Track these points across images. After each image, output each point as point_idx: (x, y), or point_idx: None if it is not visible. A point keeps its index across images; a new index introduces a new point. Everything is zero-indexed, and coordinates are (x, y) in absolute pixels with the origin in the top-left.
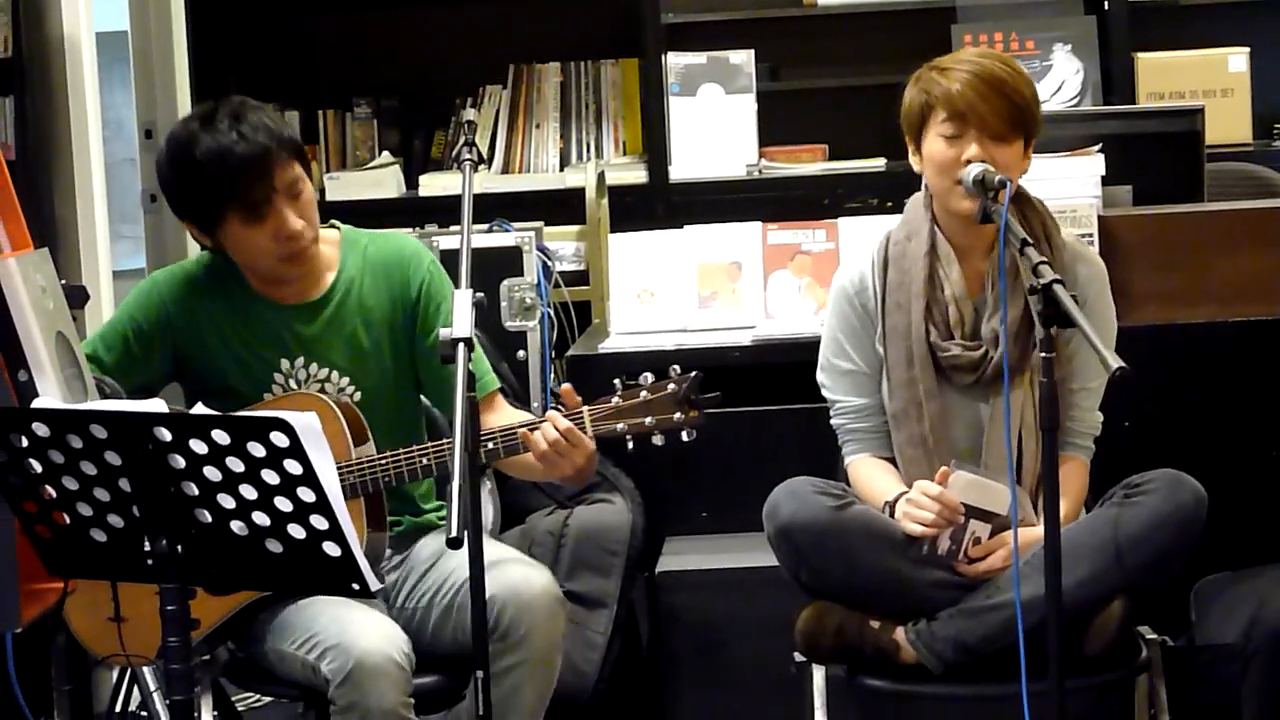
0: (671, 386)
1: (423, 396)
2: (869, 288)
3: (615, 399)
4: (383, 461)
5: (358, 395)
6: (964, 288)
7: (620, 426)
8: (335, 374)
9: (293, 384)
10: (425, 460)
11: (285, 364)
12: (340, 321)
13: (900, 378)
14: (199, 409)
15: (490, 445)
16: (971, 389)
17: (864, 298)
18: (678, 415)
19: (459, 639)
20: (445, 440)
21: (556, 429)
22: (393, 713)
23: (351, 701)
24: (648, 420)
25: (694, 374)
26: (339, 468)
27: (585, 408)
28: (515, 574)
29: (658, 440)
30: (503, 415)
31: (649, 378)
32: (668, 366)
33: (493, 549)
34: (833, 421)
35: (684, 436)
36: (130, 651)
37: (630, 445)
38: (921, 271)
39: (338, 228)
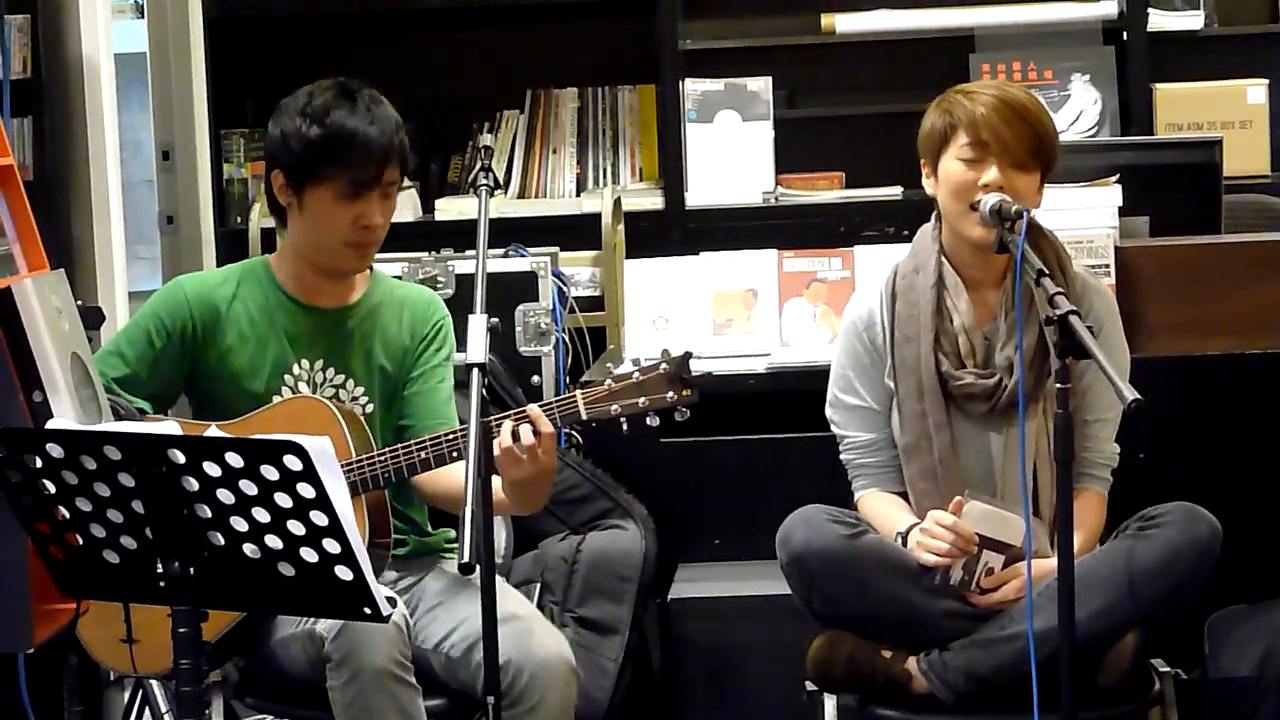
0: (664, 366)
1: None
2: (877, 323)
3: (608, 382)
4: (382, 457)
5: (370, 407)
6: (973, 318)
7: (614, 408)
8: (351, 382)
9: (303, 387)
10: (424, 454)
11: (305, 363)
12: (363, 334)
13: (911, 410)
14: (212, 430)
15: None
16: (984, 419)
17: (872, 333)
18: (670, 394)
19: (467, 686)
20: (443, 433)
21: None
22: (386, 671)
23: (345, 654)
24: (641, 401)
25: (684, 353)
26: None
27: (579, 391)
28: (531, 639)
29: (652, 421)
30: (450, 471)
31: (641, 361)
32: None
33: (506, 601)
34: (842, 457)
35: (677, 416)
36: (142, 668)
37: (625, 428)
38: (929, 304)
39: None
